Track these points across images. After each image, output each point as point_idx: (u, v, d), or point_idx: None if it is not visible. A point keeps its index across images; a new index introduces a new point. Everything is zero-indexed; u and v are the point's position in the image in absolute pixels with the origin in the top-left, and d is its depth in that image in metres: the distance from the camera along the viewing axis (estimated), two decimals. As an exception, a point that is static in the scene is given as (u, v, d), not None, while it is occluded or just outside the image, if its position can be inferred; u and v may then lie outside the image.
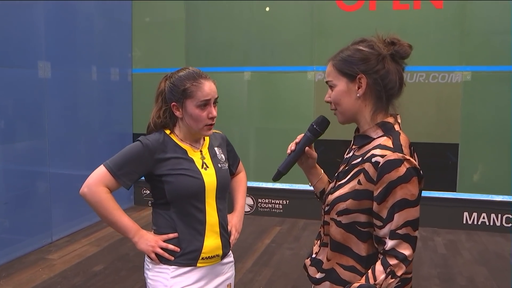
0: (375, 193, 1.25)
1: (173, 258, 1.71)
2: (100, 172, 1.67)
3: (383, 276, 1.23)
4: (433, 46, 5.09)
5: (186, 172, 1.71)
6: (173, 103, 1.72)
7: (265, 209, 5.73)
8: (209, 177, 1.75)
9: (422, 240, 4.77)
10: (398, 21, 5.13)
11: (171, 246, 1.71)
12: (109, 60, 5.63)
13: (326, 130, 1.52)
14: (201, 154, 1.79)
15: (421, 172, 1.26)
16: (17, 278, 3.80)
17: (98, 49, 5.40)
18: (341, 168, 1.43)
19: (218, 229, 1.77)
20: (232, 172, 1.99)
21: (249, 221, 5.23)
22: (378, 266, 1.25)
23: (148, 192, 5.81)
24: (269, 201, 5.72)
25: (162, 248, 1.71)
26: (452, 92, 5.11)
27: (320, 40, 5.42)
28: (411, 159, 1.25)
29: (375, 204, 1.25)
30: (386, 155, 1.24)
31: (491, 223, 5.11)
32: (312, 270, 1.45)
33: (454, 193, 5.21)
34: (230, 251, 1.89)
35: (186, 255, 1.72)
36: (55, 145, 4.65)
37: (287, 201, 5.65)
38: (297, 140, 1.54)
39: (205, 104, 1.70)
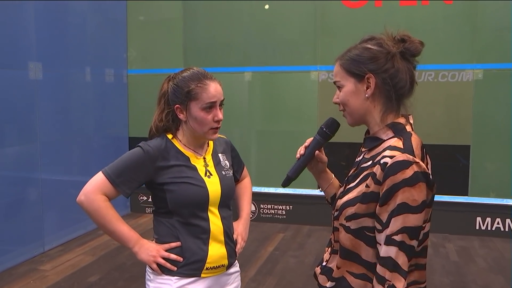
0: (380, 195, 1.23)
1: (175, 268, 1.68)
2: (99, 180, 1.66)
3: None
4: (443, 44, 5.02)
5: (189, 180, 1.69)
6: (177, 105, 1.70)
7: (268, 215, 5.68)
8: (213, 186, 1.73)
9: (433, 247, 4.70)
10: (405, 17, 5.08)
11: (173, 256, 1.68)
12: (104, 61, 5.59)
13: None
14: (205, 161, 1.77)
15: (431, 177, 1.23)
16: (6, 292, 3.76)
17: (92, 49, 5.36)
18: (351, 172, 1.42)
19: (222, 238, 1.75)
20: (237, 179, 1.98)
21: (251, 227, 5.09)
22: (376, 286, 1.21)
23: (145, 198, 5.78)
24: (271, 206, 5.66)
25: (164, 258, 1.68)
26: (463, 92, 5.06)
27: (323, 39, 5.37)
28: (421, 162, 1.21)
29: (377, 206, 1.24)
30: (395, 156, 1.22)
31: (506, 229, 5.03)
32: (322, 279, 1.44)
33: (466, 197, 5.16)
34: (236, 261, 1.87)
35: (190, 265, 1.70)
36: (47, 150, 4.61)
37: (291, 207, 5.60)
38: (306, 143, 1.53)
39: (210, 107, 1.68)
